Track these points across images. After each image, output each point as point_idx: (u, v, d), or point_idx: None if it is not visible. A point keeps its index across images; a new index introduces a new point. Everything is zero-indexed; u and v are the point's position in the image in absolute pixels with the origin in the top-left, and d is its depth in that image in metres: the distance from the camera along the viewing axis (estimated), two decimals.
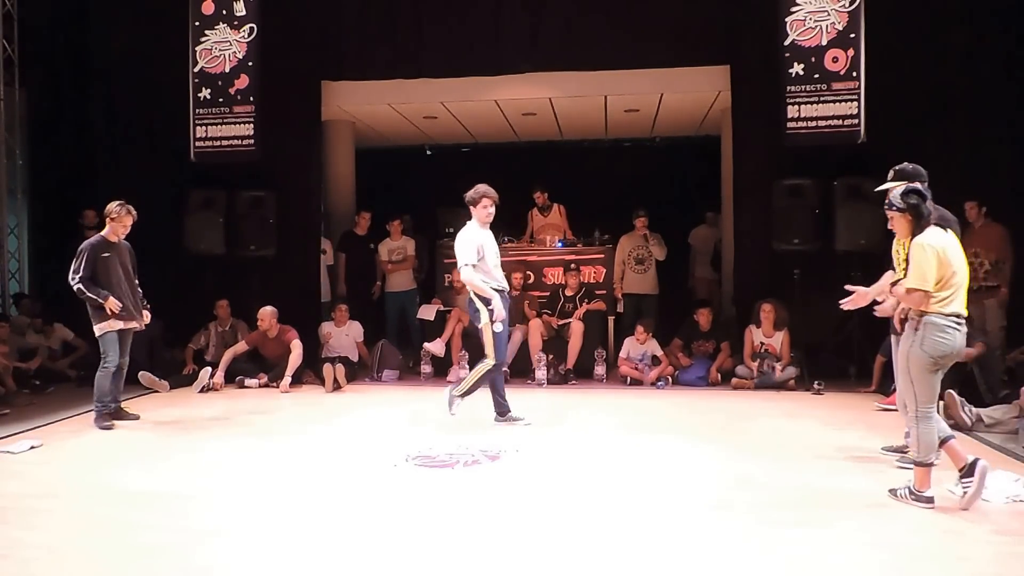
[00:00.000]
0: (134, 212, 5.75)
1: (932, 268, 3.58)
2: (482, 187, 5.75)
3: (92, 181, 8.71)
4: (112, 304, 5.58)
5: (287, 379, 7.19)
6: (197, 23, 8.06)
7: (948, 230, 3.78)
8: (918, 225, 3.71)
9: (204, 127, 8.08)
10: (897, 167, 4.27)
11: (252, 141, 8.01)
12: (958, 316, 3.67)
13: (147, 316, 5.93)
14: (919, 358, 3.68)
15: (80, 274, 5.58)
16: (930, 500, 3.70)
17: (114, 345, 5.67)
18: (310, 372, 7.55)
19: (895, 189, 3.94)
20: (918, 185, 3.85)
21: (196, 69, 8.06)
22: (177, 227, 7.98)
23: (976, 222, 6.92)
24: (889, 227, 3.94)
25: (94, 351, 7.41)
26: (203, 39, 8.06)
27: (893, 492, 3.84)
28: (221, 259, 8.13)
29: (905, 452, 4.36)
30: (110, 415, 5.73)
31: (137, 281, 5.92)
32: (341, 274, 8.78)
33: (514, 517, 3.67)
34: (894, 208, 3.79)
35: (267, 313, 7.35)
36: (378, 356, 7.90)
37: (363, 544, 3.32)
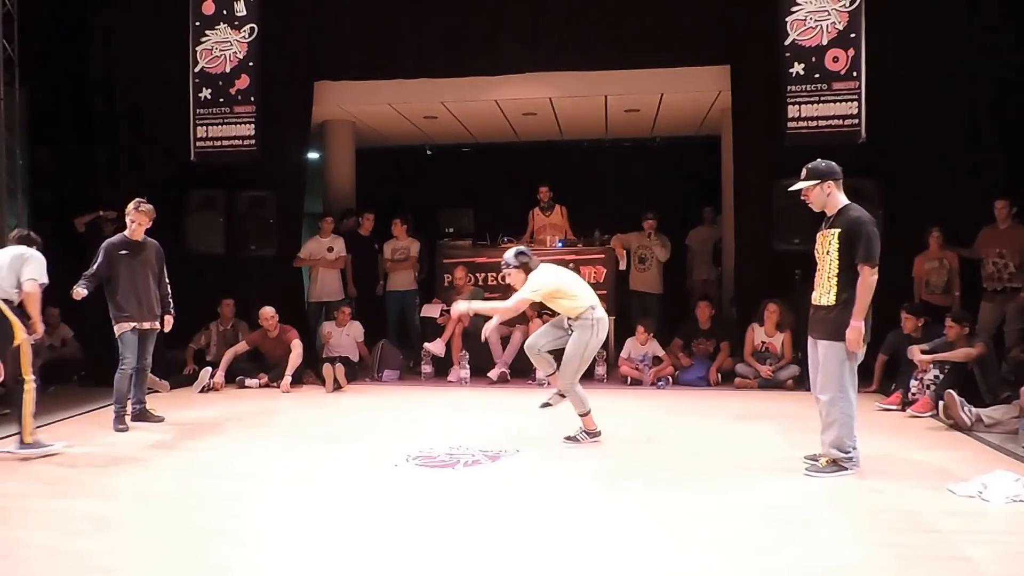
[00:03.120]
0: (145, 208, 5.62)
1: (533, 295, 4.88)
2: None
3: (92, 181, 8.71)
4: (76, 292, 5.39)
5: (287, 379, 7.20)
6: (197, 23, 8.06)
7: (542, 265, 5.02)
8: (528, 274, 4.93)
9: (205, 127, 8.08)
10: (810, 165, 4.33)
11: (253, 141, 8.00)
12: (592, 308, 4.90)
13: (169, 321, 5.84)
14: (596, 346, 4.96)
15: (91, 269, 5.50)
16: (598, 433, 5.04)
17: (132, 346, 5.56)
18: (310, 372, 7.55)
19: (508, 251, 5.01)
20: (524, 248, 5.08)
21: (196, 69, 8.06)
22: (177, 227, 7.98)
23: (1003, 223, 6.90)
24: (507, 281, 5.14)
25: (88, 355, 7.45)
26: (203, 39, 8.06)
27: (571, 438, 5.02)
28: (221, 259, 8.13)
29: (817, 461, 4.31)
30: (134, 417, 5.71)
31: (168, 282, 5.89)
32: (349, 274, 8.78)
33: (514, 517, 3.67)
34: (511, 267, 4.97)
35: (268, 313, 7.36)
36: (378, 356, 7.91)
37: (365, 543, 3.32)
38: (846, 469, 4.18)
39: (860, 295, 4.06)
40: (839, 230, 4.17)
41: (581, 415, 5.04)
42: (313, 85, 8.41)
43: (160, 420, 5.83)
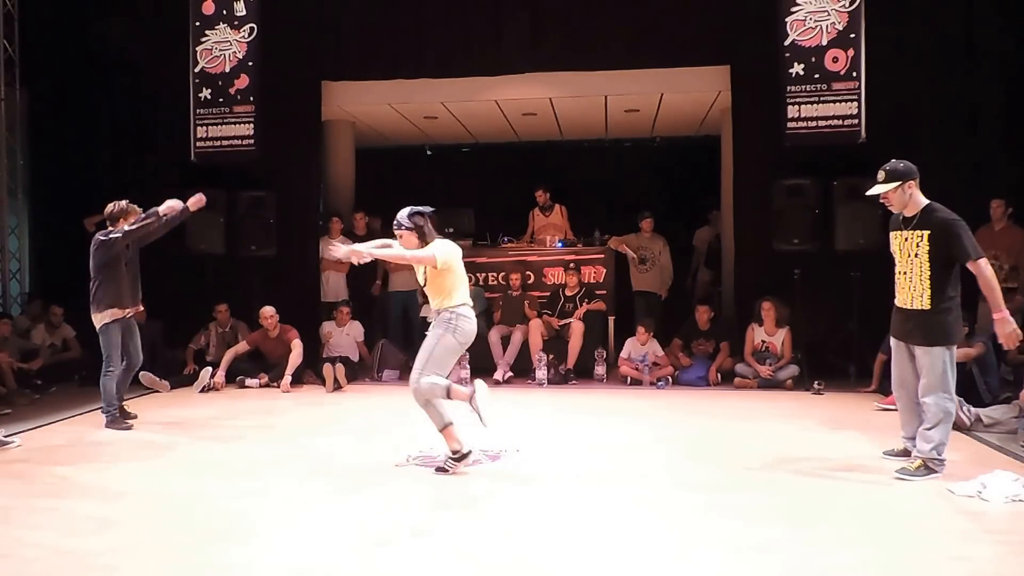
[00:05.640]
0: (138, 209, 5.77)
1: (435, 259, 4.26)
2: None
3: (93, 181, 8.71)
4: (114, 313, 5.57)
5: (287, 379, 7.20)
6: (197, 23, 8.06)
7: (447, 238, 4.48)
8: (423, 239, 4.35)
9: (204, 127, 8.08)
10: (887, 167, 4.22)
11: (252, 141, 8.01)
12: (463, 304, 4.36)
13: (140, 309, 5.89)
14: (451, 343, 4.32)
15: (99, 272, 5.55)
16: (468, 454, 4.31)
17: (116, 347, 5.58)
18: (311, 372, 7.55)
19: (403, 210, 4.37)
20: (423, 208, 4.39)
21: (196, 69, 8.07)
22: (177, 227, 7.95)
23: (998, 223, 6.89)
24: (400, 243, 4.43)
25: (88, 356, 7.43)
26: (203, 39, 8.06)
27: (442, 470, 4.30)
28: (221, 259, 8.13)
29: (906, 456, 4.36)
30: (123, 417, 5.72)
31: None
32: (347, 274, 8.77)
33: (515, 516, 3.68)
34: (403, 227, 4.36)
35: (268, 312, 7.37)
36: (378, 356, 7.91)
37: (365, 543, 3.32)
38: (937, 472, 4.13)
39: (990, 289, 4.00)
40: (928, 232, 4.08)
41: (441, 430, 4.37)
42: (321, 85, 8.41)
43: (133, 418, 5.83)
